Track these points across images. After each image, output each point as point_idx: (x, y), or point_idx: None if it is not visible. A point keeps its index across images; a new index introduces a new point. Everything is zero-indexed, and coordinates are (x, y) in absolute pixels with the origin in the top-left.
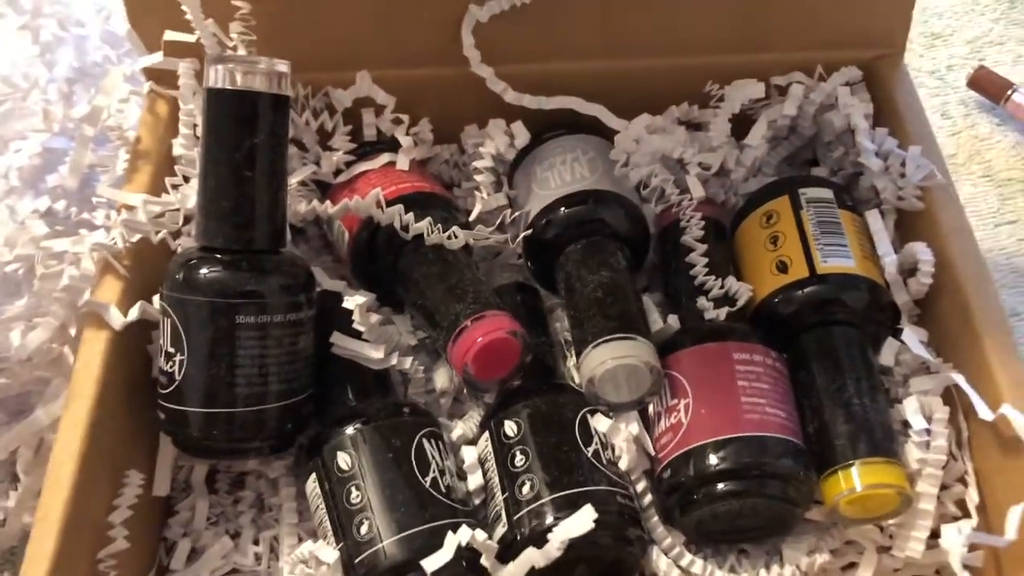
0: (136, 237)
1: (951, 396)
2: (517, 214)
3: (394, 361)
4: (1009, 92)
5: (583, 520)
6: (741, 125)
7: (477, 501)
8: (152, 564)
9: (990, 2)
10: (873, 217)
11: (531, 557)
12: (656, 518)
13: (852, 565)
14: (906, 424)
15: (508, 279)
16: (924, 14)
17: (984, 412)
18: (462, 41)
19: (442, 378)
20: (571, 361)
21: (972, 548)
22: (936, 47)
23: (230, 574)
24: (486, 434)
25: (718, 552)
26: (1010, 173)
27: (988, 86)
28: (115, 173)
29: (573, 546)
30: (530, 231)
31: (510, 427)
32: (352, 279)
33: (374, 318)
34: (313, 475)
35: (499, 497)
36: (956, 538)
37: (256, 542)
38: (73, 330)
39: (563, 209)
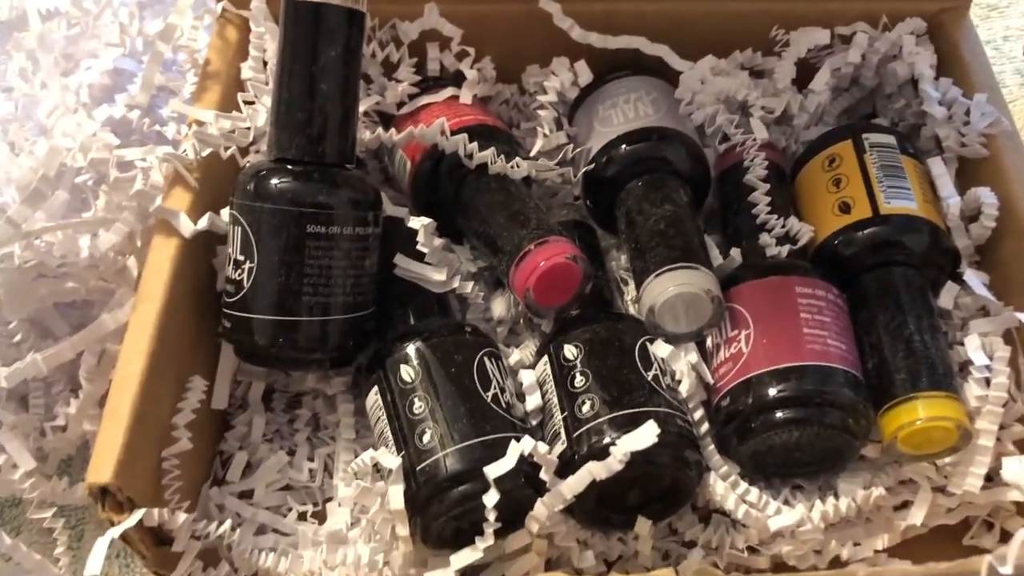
0: (206, 151)
1: (1011, 339)
2: (578, 151)
3: (455, 284)
4: None
5: (646, 435)
6: (802, 76)
7: (534, 423)
8: (209, 474)
9: None
10: (936, 163)
11: (592, 470)
12: (712, 447)
13: (905, 504)
14: (965, 365)
15: (566, 217)
16: None
17: None
18: None
19: (500, 307)
20: (628, 296)
21: None
22: (992, 18)
23: (284, 489)
24: (544, 358)
25: (771, 486)
26: None
27: None
28: (184, 95)
29: (632, 464)
30: (591, 167)
31: (570, 351)
32: (412, 208)
33: (437, 241)
34: (375, 388)
35: (558, 417)
36: (1019, 466)
37: (311, 459)
38: (139, 242)
39: (625, 146)
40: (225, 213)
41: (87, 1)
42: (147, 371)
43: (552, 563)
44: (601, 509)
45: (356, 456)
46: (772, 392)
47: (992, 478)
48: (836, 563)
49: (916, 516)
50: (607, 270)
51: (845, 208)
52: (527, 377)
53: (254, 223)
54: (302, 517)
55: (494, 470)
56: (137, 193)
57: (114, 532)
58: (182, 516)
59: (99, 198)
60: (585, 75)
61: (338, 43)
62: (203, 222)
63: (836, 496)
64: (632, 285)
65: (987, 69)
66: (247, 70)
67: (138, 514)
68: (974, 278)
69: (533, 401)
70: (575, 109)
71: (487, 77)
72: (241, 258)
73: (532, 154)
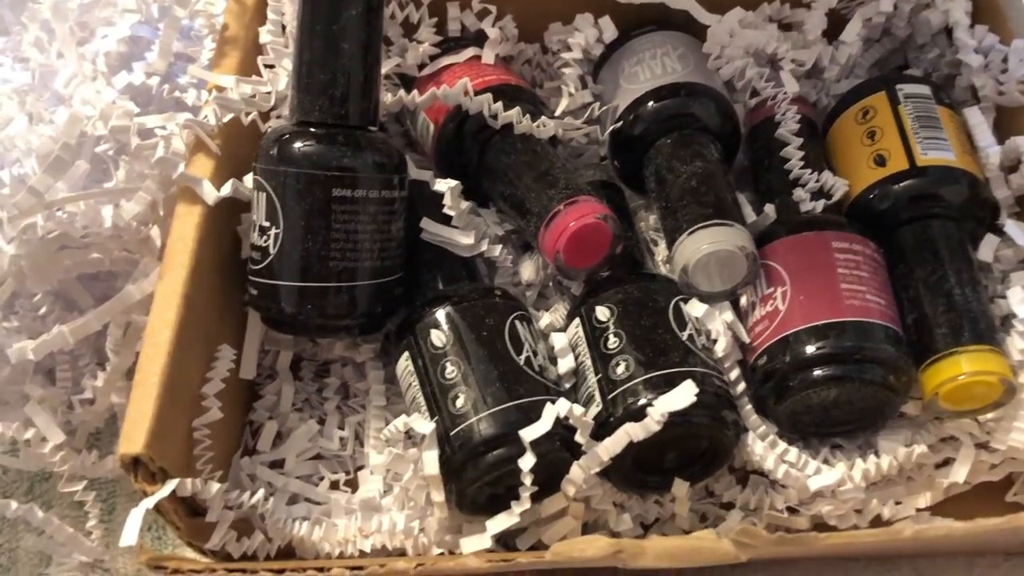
0: (227, 117)
1: None
2: (604, 109)
3: (484, 248)
4: None
5: (684, 395)
6: (834, 29)
7: (568, 386)
8: (239, 444)
9: None
10: (973, 113)
11: (629, 431)
12: (750, 407)
13: (947, 462)
14: (1007, 319)
15: (593, 178)
16: None
17: None
18: None
19: (528, 270)
20: (658, 257)
21: None
22: None
23: (315, 458)
24: (576, 320)
25: (809, 446)
26: None
27: None
28: (202, 61)
29: (670, 425)
30: (618, 125)
31: (602, 312)
32: (437, 172)
33: (464, 204)
34: (406, 353)
35: (592, 379)
36: None
37: (341, 427)
38: (162, 211)
39: (653, 102)
40: (248, 179)
41: None
42: (175, 341)
43: (588, 526)
44: (637, 471)
45: (387, 424)
46: (810, 349)
47: None
48: (877, 522)
49: (959, 474)
50: (636, 231)
51: (880, 161)
52: (559, 340)
53: (279, 188)
54: (334, 486)
55: (529, 433)
56: (159, 161)
57: (148, 503)
58: (215, 486)
59: (120, 167)
60: (610, 31)
61: (359, 2)
62: (227, 188)
63: (877, 455)
64: (662, 245)
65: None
66: (265, 34)
67: (171, 484)
68: (1016, 229)
69: (566, 364)
70: (600, 67)
71: (509, 36)
72: (266, 224)
73: (557, 114)
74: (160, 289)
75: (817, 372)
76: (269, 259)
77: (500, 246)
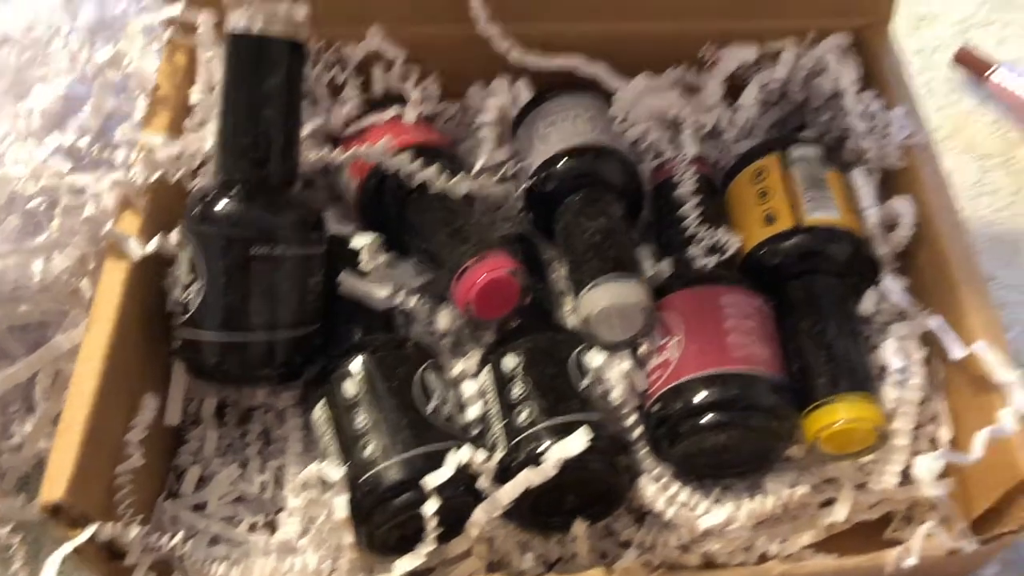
0: (155, 175)
1: (928, 342)
2: (519, 166)
3: (399, 299)
4: (990, 71)
5: (577, 442)
6: (735, 91)
7: (475, 432)
8: (163, 488)
9: None
10: (858, 174)
11: (527, 477)
12: (645, 450)
13: (829, 502)
14: (883, 369)
15: (508, 231)
16: None
17: (957, 351)
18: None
19: (444, 319)
20: (567, 307)
21: (941, 476)
22: (922, 28)
23: (236, 501)
24: (486, 368)
25: (703, 487)
26: (990, 148)
27: (972, 65)
28: (133, 119)
29: (566, 469)
30: (531, 183)
31: (509, 361)
32: (359, 226)
33: (381, 258)
34: (321, 401)
35: (497, 426)
36: (928, 463)
37: (262, 471)
38: (92, 264)
39: (563, 162)
40: (174, 236)
41: (38, 28)
42: (100, 390)
43: (493, 565)
44: (539, 513)
45: (304, 469)
46: (699, 397)
47: (909, 475)
48: (764, 559)
49: (839, 513)
50: (549, 281)
51: (770, 220)
52: (468, 388)
53: (201, 246)
54: (253, 528)
55: (432, 480)
56: (88, 218)
57: (67, 548)
58: (134, 530)
59: (50, 223)
60: (525, 94)
61: (279, 73)
62: (152, 245)
63: (763, 495)
64: (572, 294)
65: (907, 82)
66: (195, 95)
67: (90, 530)
68: (892, 284)
69: (474, 411)
70: (517, 125)
71: (431, 96)
72: (189, 280)
73: (475, 170)
74: (86, 342)
75: (705, 418)
76: (192, 312)
77: (416, 297)
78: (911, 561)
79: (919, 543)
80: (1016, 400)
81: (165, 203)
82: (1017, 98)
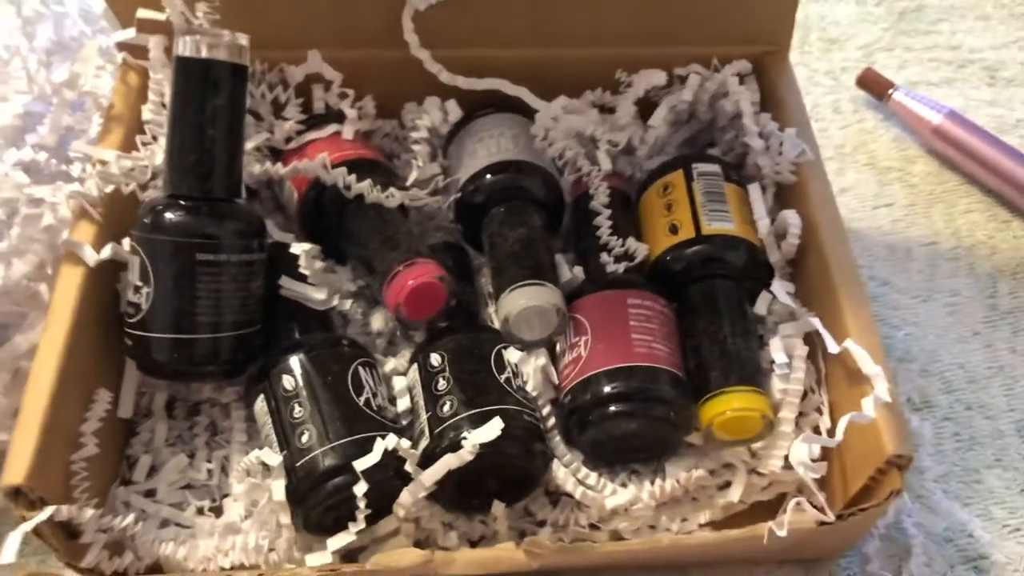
0: (109, 188)
1: (812, 341)
2: (449, 180)
3: (335, 303)
4: (891, 91)
5: (492, 429)
6: (648, 111)
7: (404, 423)
8: (116, 477)
9: (882, 13)
10: (753, 189)
11: (448, 461)
12: (558, 438)
13: (728, 484)
14: (772, 363)
15: (440, 239)
16: (823, 21)
17: (832, 347)
18: (403, 27)
19: (378, 321)
20: (492, 309)
21: (820, 460)
22: (832, 51)
23: (185, 488)
24: (414, 365)
25: (612, 471)
26: (889, 163)
27: (874, 86)
28: (89, 135)
29: (484, 454)
30: (460, 195)
31: (435, 358)
32: (300, 234)
33: (318, 264)
34: (262, 395)
35: (423, 416)
36: (802, 447)
37: (209, 460)
38: (50, 270)
39: (489, 176)
40: (127, 243)
41: None
42: (56, 385)
43: (421, 544)
44: (463, 495)
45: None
46: (606, 389)
47: None
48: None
49: (734, 494)
50: (477, 286)
51: (674, 230)
52: (398, 383)
53: (150, 252)
54: (200, 512)
55: (362, 463)
56: (46, 227)
57: (26, 526)
58: (89, 512)
59: (10, 230)
60: (455, 112)
61: (223, 94)
62: (106, 252)
63: (664, 478)
64: None
65: (801, 106)
66: (147, 113)
67: (48, 510)
68: (780, 288)
69: (403, 403)
70: (448, 142)
71: (368, 114)
72: (140, 283)
73: (409, 183)
74: (44, 340)
75: (611, 408)
76: (142, 314)
77: (351, 300)
78: (782, 533)
79: (789, 516)
80: (878, 389)
81: (118, 214)
82: (915, 117)
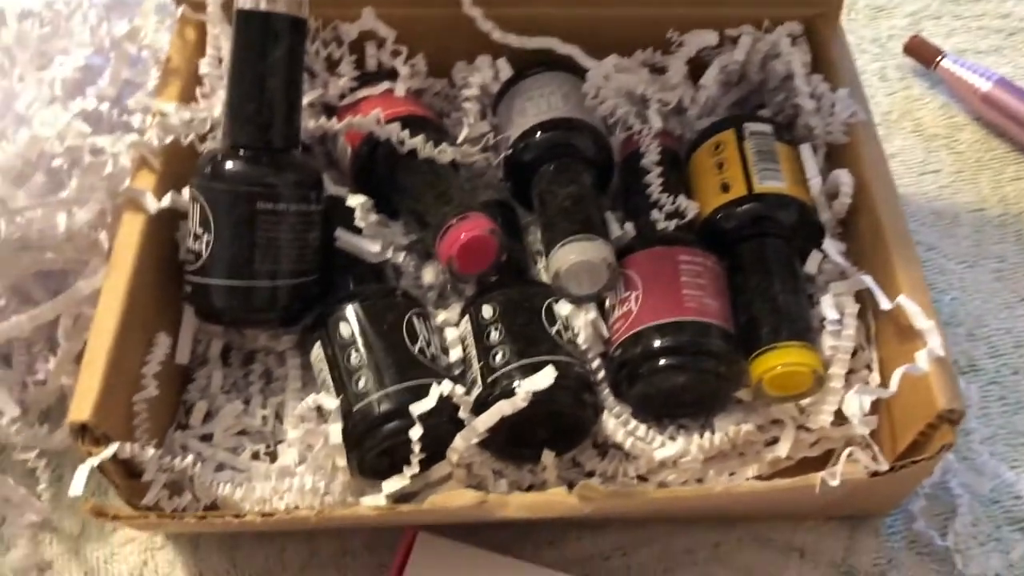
0: (169, 138)
1: (863, 299)
2: (499, 138)
3: (389, 255)
4: (939, 59)
5: (545, 377)
6: (698, 72)
7: (456, 373)
8: (173, 421)
9: None
10: (805, 148)
11: (501, 407)
12: (607, 391)
13: (775, 440)
14: (822, 320)
15: (489, 197)
16: None
17: (884, 303)
18: None
19: (429, 274)
20: (541, 265)
21: (870, 414)
22: (879, 19)
23: (240, 434)
24: (466, 317)
25: (659, 425)
26: (936, 130)
27: (922, 53)
28: (147, 88)
29: (536, 403)
30: (510, 152)
31: (487, 310)
32: (352, 189)
33: (373, 216)
34: (318, 343)
35: (476, 366)
36: (856, 399)
37: (264, 407)
38: (110, 218)
39: (539, 134)
40: (186, 192)
41: (58, 3)
42: (119, 328)
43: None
44: (513, 444)
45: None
46: (656, 343)
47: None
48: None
49: (782, 449)
50: (526, 243)
51: (725, 188)
52: (451, 333)
53: (211, 201)
54: (256, 456)
55: (418, 408)
56: (108, 176)
57: (93, 461)
58: (151, 451)
59: (73, 180)
60: (505, 71)
61: (283, 46)
62: (166, 200)
63: (712, 432)
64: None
65: (852, 67)
66: (204, 66)
67: (113, 447)
68: (832, 247)
69: (455, 353)
70: (498, 101)
71: (419, 72)
72: (200, 231)
73: (458, 141)
74: (107, 284)
75: (661, 362)
76: (202, 261)
77: (404, 253)
78: (834, 482)
79: (842, 467)
80: (931, 342)
81: (177, 164)
82: (964, 84)
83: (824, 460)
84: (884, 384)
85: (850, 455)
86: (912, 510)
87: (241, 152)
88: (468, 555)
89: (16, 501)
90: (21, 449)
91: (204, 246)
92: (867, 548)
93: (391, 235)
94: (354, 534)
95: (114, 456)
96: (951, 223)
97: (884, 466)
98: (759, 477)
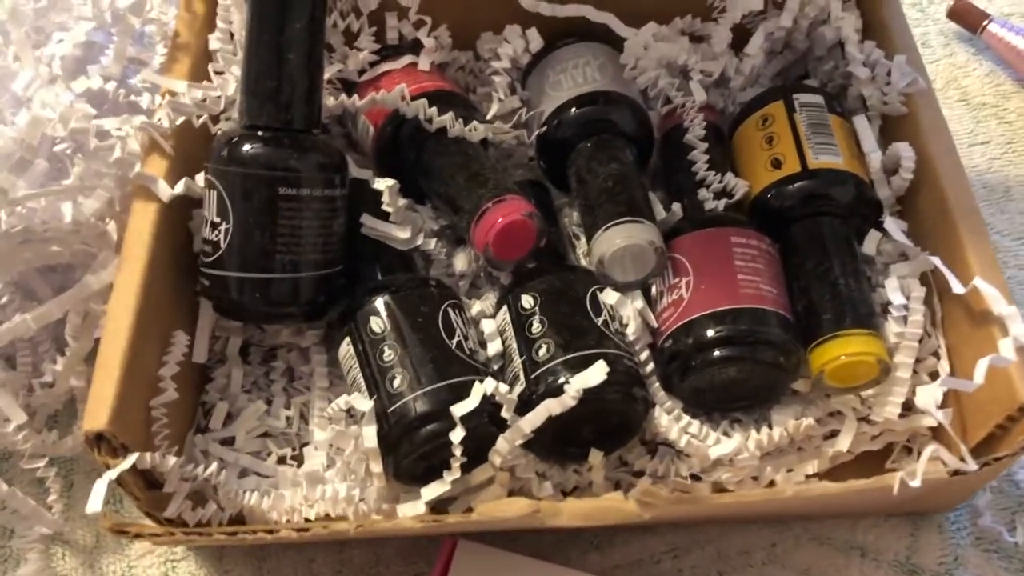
0: (180, 120)
1: (927, 281)
2: (531, 114)
3: (419, 241)
4: (985, 23)
5: (596, 373)
6: (740, 42)
7: (496, 367)
8: (192, 423)
9: None
10: (860, 120)
11: (548, 406)
12: (657, 385)
13: (834, 434)
14: (885, 306)
15: (521, 178)
16: None
17: (957, 287)
18: None
19: (462, 262)
20: (580, 250)
21: (942, 406)
22: None
23: (263, 436)
24: (504, 308)
25: (711, 419)
26: (984, 98)
27: (967, 17)
28: (153, 66)
29: (585, 400)
30: (543, 129)
31: (527, 300)
32: (376, 171)
33: (401, 201)
34: (347, 339)
35: (517, 361)
36: (930, 391)
37: (287, 407)
38: (119, 208)
39: (575, 109)
40: (200, 178)
41: None
42: (134, 327)
43: (513, 493)
44: (558, 443)
45: (329, 403)
46: (710, 333)
47: (910, 407)
48: (770, 487)
49: (843, 443)
50: (560, 226)
51: (777, 164)
52: (488, 326)
53: (229, 187)
54: (281, 460)
55: (460, 409)
56: (116, 161)
57: (111, 474)
58: (172, 459)
59: (77, 165)
60: (536, 42)
61: (303, 15)
62: (180, 187)
63: (770, 427)
64: (583, 239)
65: (907, 32)
66: (215, 41)
67: (132, 458)
68: (894, 225)
69: (494, 347)
70: (527, 74)
71: (443, 44)
72: (217, 220)
73: (488, 118)
74: (119, 279)
75: (716, 353)
76: (220, 252)
77: (435, 239)
78: (915, 483)
79: (923, 465)
80: (1015, 330)
81: (190, 147)
82: (1011, 49)
83: (885, 455)
84: (952, 373)
85: (934, 453)
86: (977, 505)
87: (260, 133)
88: (512, 563)
89: (25, 513)
90: (29, 458)
91: (222, 236)
92: (931, 546)
93: (420, 220)
94: (387, 543)
95: (133, 467)
96: (1003, 197)
97: (971, 465)
98: (817, 474)
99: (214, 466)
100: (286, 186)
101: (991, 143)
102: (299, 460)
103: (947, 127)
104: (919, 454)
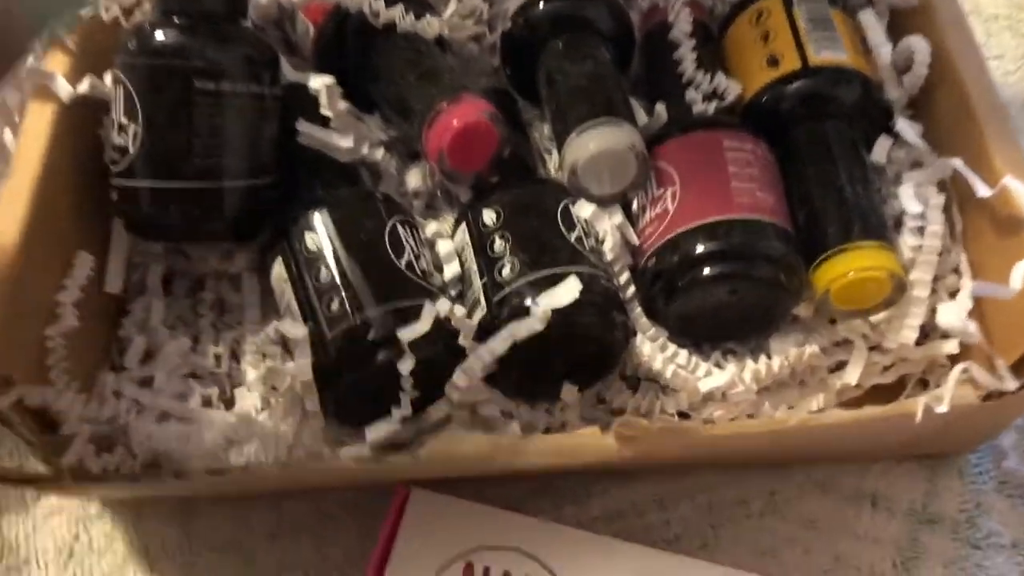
0: (85, 10)
1: (945, 189)
2: (494, 12)
3: (364, 151)
4: None
5: (568, 291)
6: None
7: (454, 293)
8: (104, 360)
9: None
10: (867, 14)
11: (512, 330)
12: (639, 310)
13: (840, 366)
14: (899, 217)
15: (484, 86)
16: None
17: (983, 190)
18: None
19: (415, 178)
20: (551, 165)
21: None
22: None
23: (189, 376)
24: (463, 225)
25: (701, 351)
26: (995, 9)
27: None
28: None
29: (556, 324)
30: (508, 27)
31: (489, 215)
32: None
33: (342, 104)
34: (279, 259)
35: (477, 283)
36: (955, 305)
37: (216, 343)
38: (18, 117)
39: (542, 3)
40: (109, 78)
41: None
42: (23, 240)
43: None
44: (526, 379)
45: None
46: (699, 248)
47: (927, 334)
48: None
49: (852, 375)
50: (530, 141)
51: (774, 62)
52: (444, 246)
53: (138, 81)
54: (207, 403)
55: (408, 334)
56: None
57: None
58: (70, 395)
59: None
60: None
61: None
62: (83, 85)
63: (768, 357)
64: (555, 156)
65: None
66: None
67: (17, 391)
68: (907, 128)
69: (451, 270)
70: None
71: None
72: (125, 121)
73: (445, 17)
74: (9, 185)
75: (706, 270)
76: (128, 159)
77: (382, 150)
78: (942, 408)
79: (952, 389)
80: None
81: (99, 43)
82: None
83: (898, 389)
84: None
85: (964, 372)
86: (1002, 445)
87: (175, 19)
88: (475, 514)
89: None
90: None
91: (131, 140)
92: (951, 491)
93: (366, 130)
94: (328, 496)
95: (21, 403)
96: (1019, 114)
97: (1010, 382)
98: (821, 411)
99: (123, 404)
100: (203, 78)
101: (1005, 57)
102: (230, 403)
103: (965, 18)
104: (938, 387)
